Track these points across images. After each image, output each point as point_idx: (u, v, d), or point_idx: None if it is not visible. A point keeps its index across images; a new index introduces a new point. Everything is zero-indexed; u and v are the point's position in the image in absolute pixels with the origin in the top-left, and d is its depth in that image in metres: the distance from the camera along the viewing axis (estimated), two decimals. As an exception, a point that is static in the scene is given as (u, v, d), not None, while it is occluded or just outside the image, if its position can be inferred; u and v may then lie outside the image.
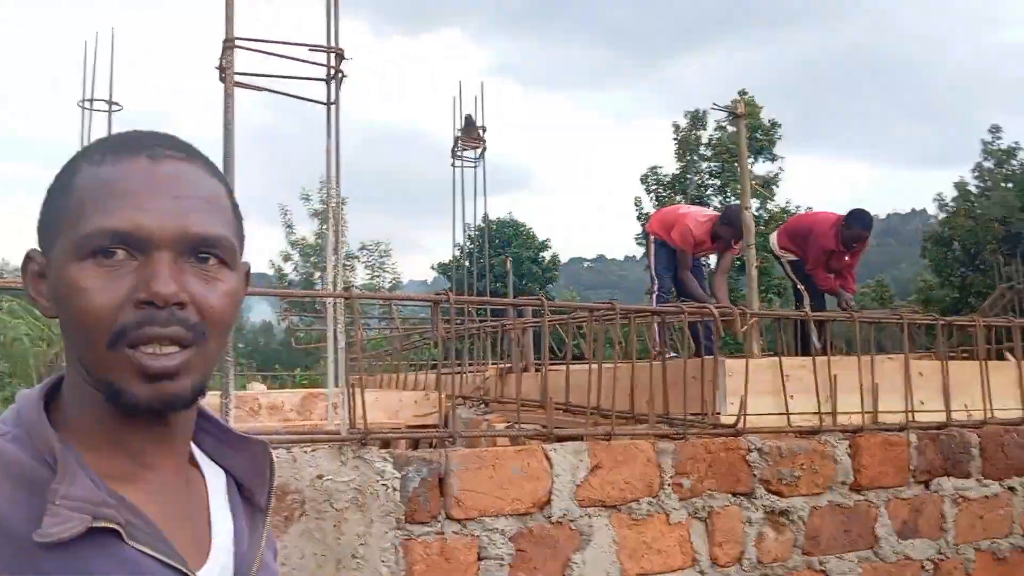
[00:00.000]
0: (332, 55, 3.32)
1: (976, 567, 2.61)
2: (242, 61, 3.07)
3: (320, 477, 1.94)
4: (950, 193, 26.76)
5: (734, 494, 2.30)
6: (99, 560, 0.65)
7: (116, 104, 6.29)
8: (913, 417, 2.70)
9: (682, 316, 2.73)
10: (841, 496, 2.43)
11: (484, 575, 2.02)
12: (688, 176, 27.12)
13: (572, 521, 2.12)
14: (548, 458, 2.14)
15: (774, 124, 26.67)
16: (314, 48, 3.31)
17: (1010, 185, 25.08)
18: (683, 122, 27.77)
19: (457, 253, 10.97)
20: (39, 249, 0.74)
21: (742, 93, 26.42)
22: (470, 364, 4.58)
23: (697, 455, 2.28)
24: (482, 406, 4.07)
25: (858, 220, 6.14)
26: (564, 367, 3.27)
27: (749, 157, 4.53)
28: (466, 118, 8.58)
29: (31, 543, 0.62)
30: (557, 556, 2.09)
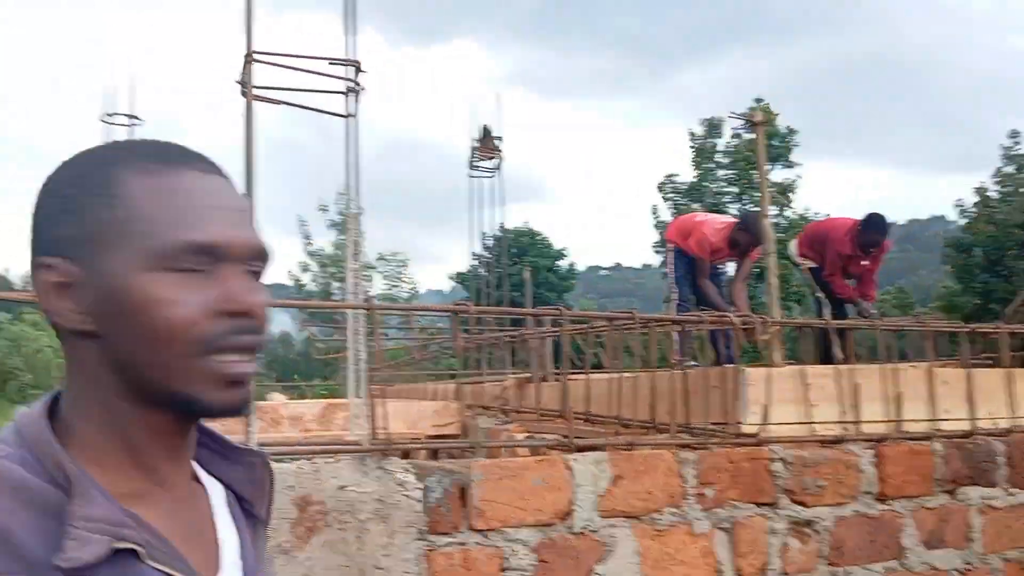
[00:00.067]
0: (350, 68, 3.35)
1: (1004, 578, 2.57)
2: (262, 75, 3.10)
3: (342, 488, 1.95)
4: (970, 199, 26.50)
5: (758, 504, 2.28)
6: None
7: (136, 118, 6.38)
8: (938, 426, 2.67)
9: (702, 325, 2.72)
10: (866, 506, 2.41)
11: (507, 586, 2.01)
12: (705, 184, 27.04)
13: (594, 532, 2.11)
14: (569, 468, 2.14)
15: (791, 131, 26.56)
16: (333, 61, 3.34)
17: (1031, 190, 24.80)
18: (699, 129, 27.72)
19: (474, 263, 11.00)
20: (60, 258, 0.69)
21: (758, 100, 26.35)
22: (489, 374, 4.59)
23: (720, 465, 2.26)
24: (501, 416, 4.07)
25: (874, 225, 6.09)
26: (583, 376, 3.27)
27: (767, 165, 4.51)
28: (482, 129, 8.61)
29: (50, 568, 0.61)
30: (580, 567, 2.08)
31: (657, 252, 26.93)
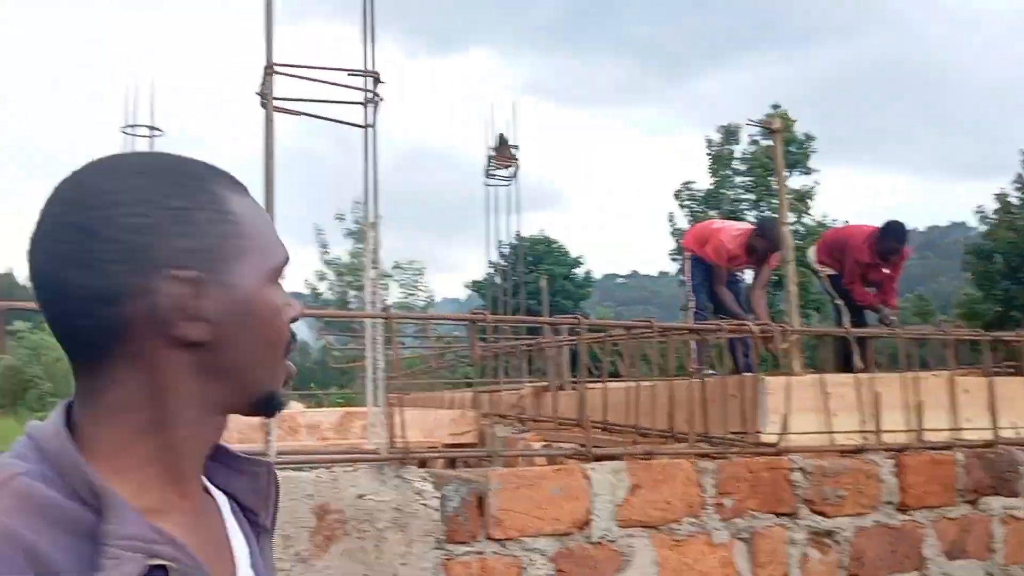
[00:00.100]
0: (369, 79, 3.37)
1: (1028, 589, 2.54)
2: (281, 86, 3.13)
3: (361, 496, 1.95)
4: (991, 205, 26.26)
5: (777, 514, 2.27)
6: None
7: (157, 129, 6.45)
8: (959, 435, 2.64)
9: (721, 333, 2.72)
10: (887, 516, 2.38)
11: (525, 596, 2.01)
12: (722, 191, 26.96)
13: (612, 542, 2.11)
14: (587, 477, 2.13)
15: (808, 137, 26.45)
16: (352, 73, 3.36)
17: (1053, 196, 24.55)
18: (716, 137, 27.67)
19: (490, 271, 11.01)
20: (190, 270, 0.70)
21: (775, 107, 26.27)
22: (506, 382, 4.59)
23: (739, 474, 2.25)
24: (518, 425, 4.07)
25: (892, 232, 6.05)
26: (601, 385, 3.26)
27: (784, 171, 4.49)
28: (499, 137, 8.64)
29: None
30: (598, 577, 2.08)
31: (674, 260, 26.88)
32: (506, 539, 2.04)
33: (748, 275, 6.67)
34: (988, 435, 2.70)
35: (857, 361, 3.88)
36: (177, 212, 0.70)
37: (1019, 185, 25.76)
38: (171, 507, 0.70)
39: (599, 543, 2.10)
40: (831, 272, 6.45)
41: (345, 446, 3.97)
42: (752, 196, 26.73)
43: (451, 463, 3.99)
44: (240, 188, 0.77)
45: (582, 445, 2.42)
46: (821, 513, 2.31)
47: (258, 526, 0.82)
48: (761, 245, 6.12)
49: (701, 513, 2.19)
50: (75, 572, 0.61)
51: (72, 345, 0.70)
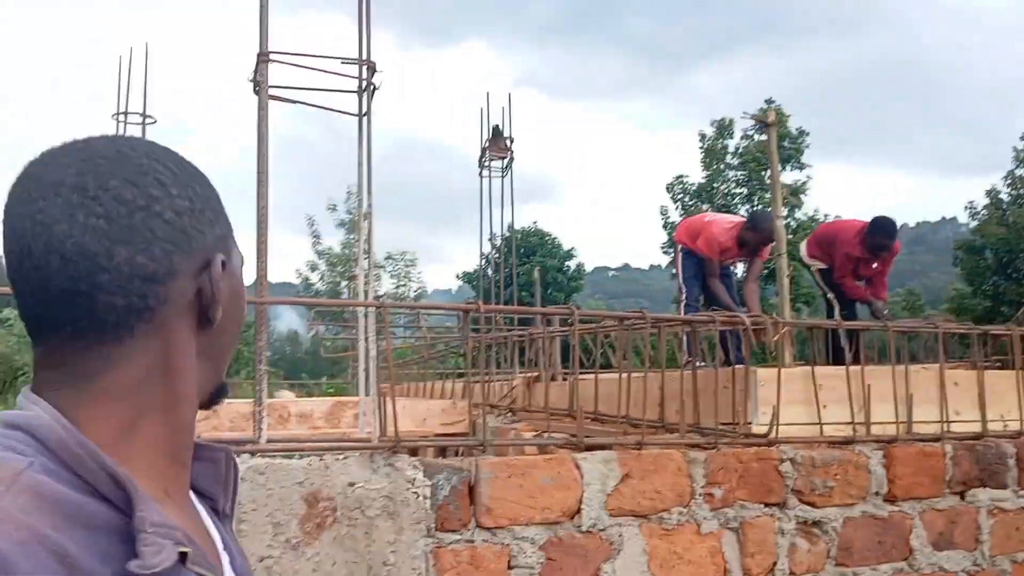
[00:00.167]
0: (364, 68, 3.36)
1: (1014, 580, 2.56)
2: (275, 74, 3.11)
3: (351, 485, 1.95)
4: (981, 201, 26.38)
5: (766, 504, 2.28)
6: None
7: (150, 117, 6.41)
8: (948, 427, 2.66)
9: (713, 325, 2.72)
10: (875, 507, 2.40)
11: (515, 584, 2.02)
12: (715, 185, 26.99)
13: (602, 530, 2.11)
14: (578, 467, 2.14)
15: (802, 132, 26.50)
16: (347, 61, 3.35)
17: (1043, 192, 24.68)
18: (709, 131, 27.68)
19: (483, 263, 11.01)
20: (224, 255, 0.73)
21: (769, 102, 26.29)
22: (497, 373, 4.59)
23: (729, 465, 2.26)
24: (510, 415, 4.08)
25: (881, 228, 6.08)
26: (592, 376, 3.27)
27: (778, 166, 4.50)
28: (493, 129, 8.61)
29: None
30: (587, 566, 2.08)
31: (666, 253, 26.92)
32: (496, 527, 2.04)
33: (740, 268, 6.70)
34: (977, 428, 2.71)
35: (847, 354, 3.89)
36: (206, 198, 0.73)
37: (1010, 182, 25.88)
38: (170, 495, 0.70)
39: (589, 532, 2.10)
40: (822, 266, 6.48)
41: (336, 435, 3.98)
42: (744, 191, 26.78)
43: (442, 452, 3.99)
44: None
45: (573, 435, 2.43)
46: (810, 503, 2.33)
47: (217, 512, 0.81)
48: (752, 238, 6.14)
49: (691, 503, 2.20)
50: (99, 567, 0.59)
51: (85, 323, 0.65)
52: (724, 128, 27.32)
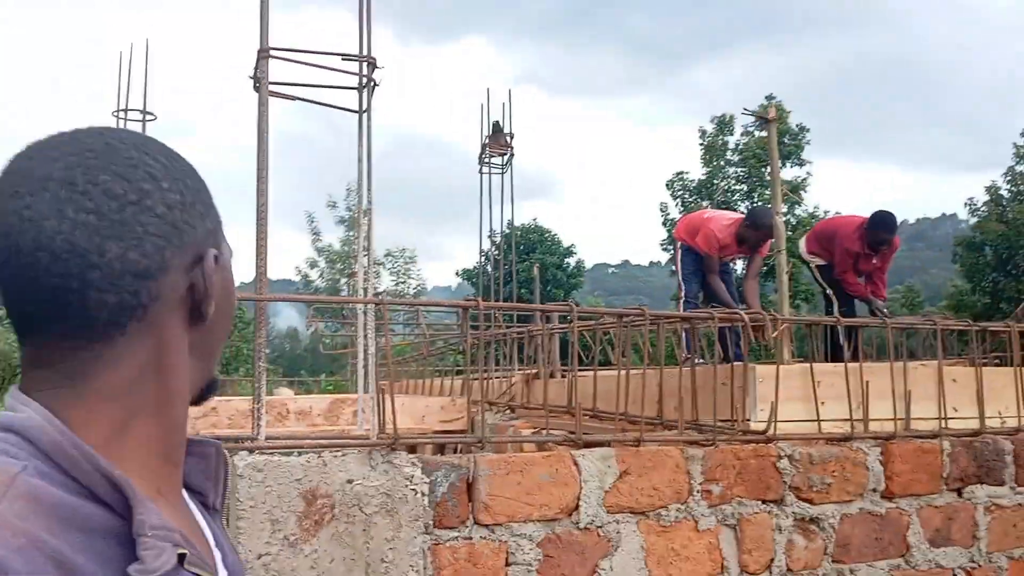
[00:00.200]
0: (364, 64, 3.36)
1: (1010, 576, 2.57)
2: (275, 70, 3.11)
3: (350, 482, 1.96)
4: (982, 198, 26.36)
5: (764, 501, 2.28)
6: None
7: (150, 114, 6.40)
8: (946, 424, 2.66)
9: (712, 322, 2.72)
10: (872, 504, 2.40)
11: (513, 580, 2.02)
12: (715, 181, 26.97)
13: (600, 527, 2.12)
14: (576, 464, 2.14)
15: (802, 129, 26.47)
16: (347, 57, 3.35)
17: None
18: (709, 127, 27.65)
19: (482, 259, 11.00)
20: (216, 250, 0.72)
21: (770, 98, 26.26)
22: (496, 370, 4.59)
23: (726, 461, 2.26)
24: (508, 412, 4.08)
25: (881, 223, 6.08)
26: (591, 373, 3.27)
27: (778, 162, 4.49)
28: (493, 125, 8.60)
29: None
30: (585, 562, 2.09)
31: (665, 250, 26.91)
32: (494, 524, 2.05)
33: (740, 265, 6.70)
34: (975, 424, 2.72)
35: (846, 351, 3.90)
36: (197, 191, 0.71)
37: (1010, 178, 25.86)
38: (165, 492, 0.70)
39: (587, 529, 2.11)
40: (821, 262, 6.48)
41: (335, 432, 3.98)
42: (744, 187, 26.76)
43: (441, 449, 4.00)
44: None
45: (571, 432, 2.43)
46: (807, 500, 2.33)
47: (207, 507, 0.81)
48: (751, 235, 6.14)
49: (689, 499, 2.21)
50: (96, 571, 0.58)
51: (76, 321, 0.64)
52: (724, 124, 27.29)
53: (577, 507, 2.11)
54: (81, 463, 0.62)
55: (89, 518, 0.60)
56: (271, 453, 1.98)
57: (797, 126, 26.30)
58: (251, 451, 1.99)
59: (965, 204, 26.74)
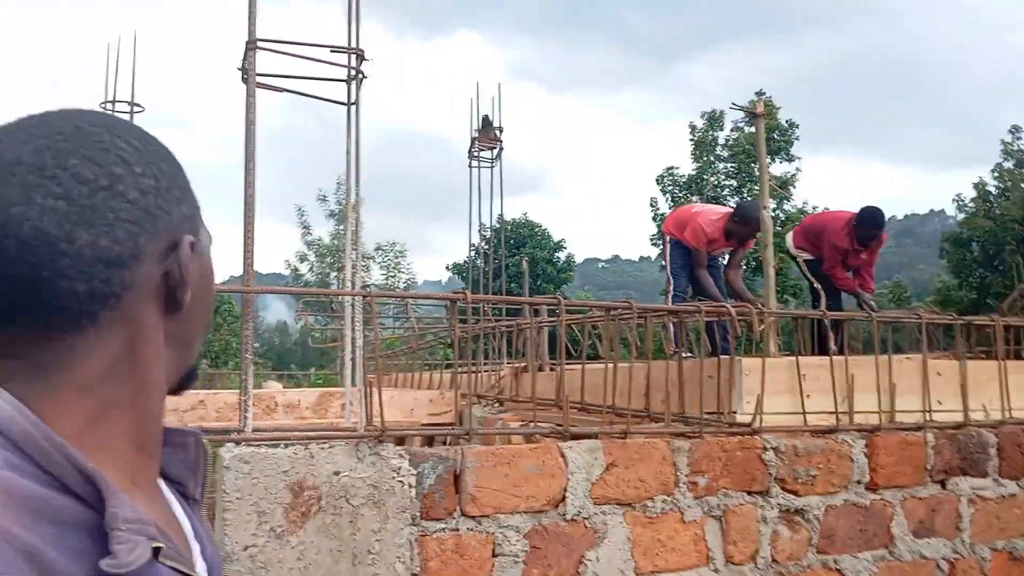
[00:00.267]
0: (353, 56, 3.34)
1: (992, 567, 2.59)
2: (264, 62, 3.10)
3: (337, 473, 1.96)
4: (970, 194, 26.52)
5: (749, 492, 2.30)
6: None
7: (138, 105, 6.37)
8: (931, 416, 2.68)
9: (699, 315, 2.73)
10: (857, 495, 2.42)
11: (498, 572, 2.03)
12: (704, 177, 27.04)
13: (587, 519, 2.13)
14: (563, 456, 2.15)
15: (791, 124, 26.55)
16: (335, 49, 3.33)
17: (1030, 185, 24.80)
18: (700, 123, 27.70)
19: (472, 254, 11.01)
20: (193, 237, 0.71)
21: (759, 94, 26.32)
22: (485, 363, 4.60)
23: (713, 454, 2.28)
24: (497, 405, 4.09)
25: (869, 218, 6.12)
26: (579, 366, 3.28)
27: (767, 157, 4.51)
28: (483, 119, 8.60)
29: None
30: (571, 553, 2.10)
31: (655, 245, 26.96)
32: (481, 516, 2.05)
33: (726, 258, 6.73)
34: (959, 417, 2.74)
35: (832, 344, 3.92)
36: (172, 176, 0.69)
37: (998, 174, 26.02)
38: (140, 483, 0.68)
39: (573, 520, 2.12)
40: (809, 257, 6.51)
41: (323, 425, 3.98)
42: (734, 182, 26.83)
43: (429, 442, 4.00)
44: None
45: (559, 424, 2.44)
46: (793, 492, 2.35)
47: (187, 497, 0.79)
48: (739, 229, 6.17)
49: (675, 491, 2.22)
50: (74, 566, 0.57)
51: (46, 311, 0.62)
52: (715, 120, 27.35)
53: (564, 498, 2.12)
54: (53, 455, 0.60)
55: (61, 511, 0.59)
56: (258, 445, 1.98)
57: (787, 122, 26.38)
58: (238, 443, 1.99)
59: (953, 200, 26.92)
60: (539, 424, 2.87)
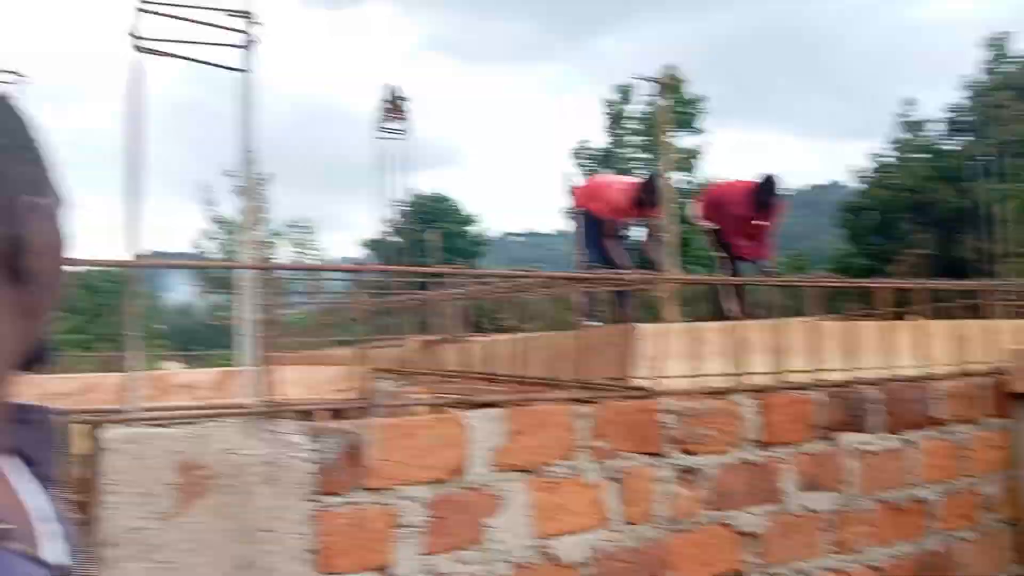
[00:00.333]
0: (245, 20, 3.23)
1: (876, 517, 2.74)
2: (155, 27, 2.97)
3: (228, 451, 1.90)
4: (867, 165, 27.69)
5: (647, 454, 2.35)
6: None
7: (19, 74, 6.00)
8: (819, 376, 2.80)
9: (598, 283, 2.77)
10: (749, 453, 2.51)
11: (399, 543, 2.02)
12: (618, 150, 27.39)
13: (487, 486, 2.14)
14: (465, 425, 2.15)
15: (699, 97, 27.11)
16: (230, 13, 3.21)
17: (922, 156, 26.06)
18: (613, 96, 28.00)
19: (383, 228, 10.88)
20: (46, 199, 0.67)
21: (669, 68, 26.78)
22: (394, 337, 4.56)
23: (611, 418, 2.32)
24: (405, 379, 4.06)
25: (764, 186, 6.32)
26: (487, 338, 3.29)
27: (674, 129, 4.60)
28: (390, 91, 8.47)
29: None
30: (472, 521, 2.11)
31: (572, 219, 27.24)
32: (383, 488, 2.03)
33: (636, 231, 6.85)
34: (846, 376, 2.87)
35: (731, 308, 4.05)
36: (13, 132, 0.65)
37: (895, 145, 27.24)
38: None
39: (475, 488, 2.12)
40: (713, 227, 6.68)
41: (219, 404, 3.87)
42: (647, 155, 27.29)
43: (334, 416, 3.95)
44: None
45: (464, 395, 2.44)
46: (689, 452, 2.41)
47: (42, 477, 0.75)
48: (648, 199, 6.29)
49: (574, 456, 2.25)
50: None
51: None
52: (627, 93, 27.69)
53: (465, 468, 2.12)
54: None
55: None
56: (145, 425, 1.91)
57: (694, 95, 26.93)
58: (122, 423, 1.91)
59: (850, 170, 28.07)
60: (444, 395, 2.86)
